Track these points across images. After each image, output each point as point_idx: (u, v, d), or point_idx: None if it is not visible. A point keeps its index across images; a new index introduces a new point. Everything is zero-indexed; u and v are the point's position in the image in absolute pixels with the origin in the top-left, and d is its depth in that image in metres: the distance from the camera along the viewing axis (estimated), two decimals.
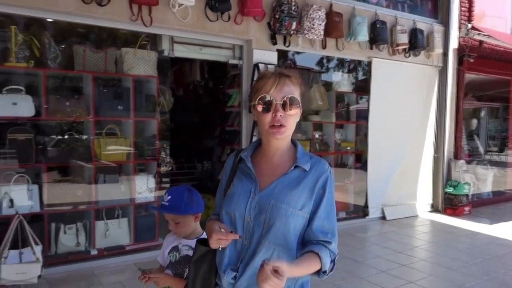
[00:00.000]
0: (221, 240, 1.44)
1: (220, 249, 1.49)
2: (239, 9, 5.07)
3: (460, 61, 7.43)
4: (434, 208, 7.53)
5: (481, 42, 7.47)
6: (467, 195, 7.34)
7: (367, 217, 6.69)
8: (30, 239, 3.66)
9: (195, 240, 1.84)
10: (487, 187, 8.84)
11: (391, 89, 6.72)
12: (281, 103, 1.47)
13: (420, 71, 7.11)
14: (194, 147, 7.70)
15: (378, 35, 6.23)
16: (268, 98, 1.48)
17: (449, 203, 7.32)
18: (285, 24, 5.22)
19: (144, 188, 4.95)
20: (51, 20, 4.42)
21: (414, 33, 6.71)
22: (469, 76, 7.73)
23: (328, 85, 6.88)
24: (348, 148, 6.91)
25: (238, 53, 5.50)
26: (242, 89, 5.52)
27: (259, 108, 1.50)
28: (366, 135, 6.70)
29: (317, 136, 6.55)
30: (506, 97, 9.22)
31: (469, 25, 7.31)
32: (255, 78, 5.19)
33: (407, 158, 7.08)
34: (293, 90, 1.51)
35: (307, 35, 5.46)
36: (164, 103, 5.21)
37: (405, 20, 6.68)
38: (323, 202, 1.51)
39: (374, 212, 6.75)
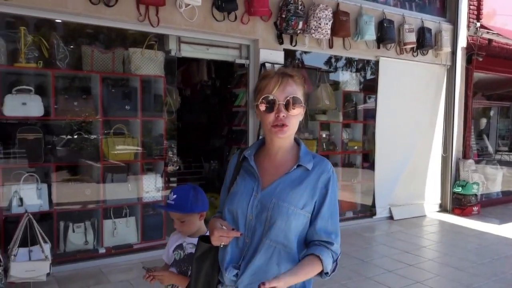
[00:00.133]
0: (222, 237, 1.45)
1: (221, 246, 1.50)
2: (246, 9, 5.08)
3: (468, 59, 7.37)
4: (442, 208, 7.48)
5: (490, 40, 7.41)
6: (475, 195, 7.28)
7: (374, 217, 6.67)
8: (39, 237, 3.71)
9: None
10: (497, 187, 8.75)
11: (399, 89, 6.68)
12: (284, 103, 1.47)
13: (428, 70, 7.05)
14: (201, 147, 7.74)
15: (386, 34, 6.20)
16: (271, 98, 1.48)
17: (458, 203, 7.26)
18: (292, 24, 5.23)
19: (151, 187, 4.99)
20: (60, 21, 4.48)
21: (422, 32, 6.67)
22: (478, 75, 7.66)
23: (335, 85, 6.86)
24: (356, 147, 6.88)
25: (245, 53, 5.52)
26: (248, 88, 5.55)
27: (262, 108, 1.50)
28: (373, 134, 6.68)
29: (324, 135, 6.54)
30: None
31: (478, 24, 7.24)
32: None
33: (415, 157, 7.04)
34: (296, 90, 1.51)
35: (313, 35, 5.46)
36: (171, 103, 5.24)
37: (412, 19, 6.64)
38: (326, 202, 1.51)
39: (381, 212, 6.73)
